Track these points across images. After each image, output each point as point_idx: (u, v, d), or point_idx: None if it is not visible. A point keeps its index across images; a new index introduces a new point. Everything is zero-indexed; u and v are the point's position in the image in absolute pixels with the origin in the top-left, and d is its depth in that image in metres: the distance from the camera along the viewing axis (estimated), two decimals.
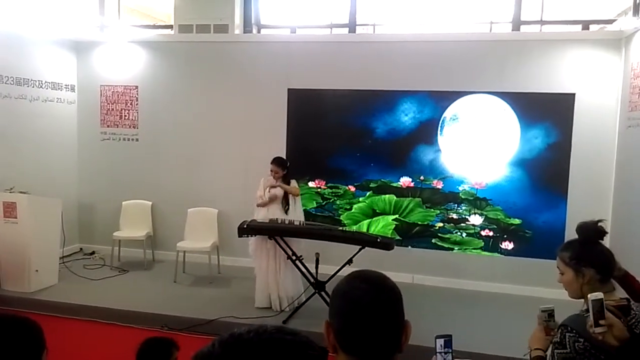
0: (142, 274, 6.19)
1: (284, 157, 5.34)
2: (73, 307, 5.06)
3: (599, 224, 1.90)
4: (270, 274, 5.06)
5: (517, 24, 6.15)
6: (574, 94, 5.62)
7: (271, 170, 5.13)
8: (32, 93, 6.27)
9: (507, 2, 6.20)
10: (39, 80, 6.37)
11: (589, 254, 1.89)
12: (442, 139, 5.98)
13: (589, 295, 1.69)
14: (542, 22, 6.17)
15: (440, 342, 1.86)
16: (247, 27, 6.82)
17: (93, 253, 6.84)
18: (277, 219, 5.06)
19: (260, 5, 6.93)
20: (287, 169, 5.17)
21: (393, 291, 1.17)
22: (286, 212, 5.13)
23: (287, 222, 5.03)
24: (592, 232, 1.91)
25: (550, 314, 1.88)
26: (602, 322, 1.64)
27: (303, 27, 6.89)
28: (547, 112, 5.70)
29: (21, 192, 5.46)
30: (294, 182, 5.27)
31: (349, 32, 6.58)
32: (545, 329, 1.87)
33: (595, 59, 5.59)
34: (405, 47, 6.06)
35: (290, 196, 5.17)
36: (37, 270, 5.39)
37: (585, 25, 6.05)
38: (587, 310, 1.69)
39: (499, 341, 4.46)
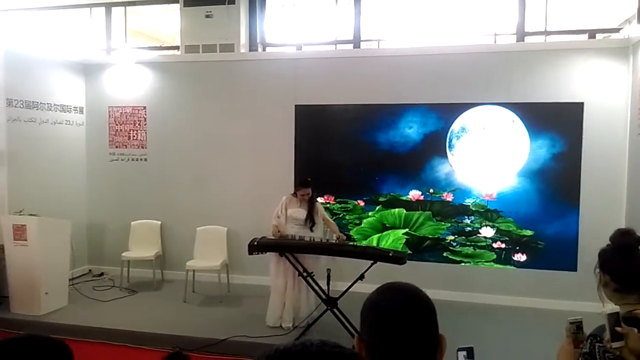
0: (152, 295, 6.15)
1: (305, 176, 5.29)
2: (83, 329, 5.02)
3: (628, 233, 1.85)
4: (288, 292, 5.01)
5: (521, 35, 6.16)
6: (582, 103, 5.59)
7: (302, 195, 5.05)
8: (41, 116, 6.32)
9: (510, 13, 6.22)
10: (47, 103, 6.42)
11: (608, 260, 1.87)
12: (451, 152, 5.95)
13: (603, 309, 1.66)
14: (546, 33, 6.18)
15: (463, 353, 1.81)
16: (252, 46, 6.88)
17: (102, 274, 6.82)
18: (287, 234, 5.03)
19: (265, 24, 7.00)
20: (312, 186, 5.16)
21: (427, 303, 1.14)
22: (311, 229, 5.09)
23: (297, 237, 5.00)
24: (614, 240, 1.87)
25: (578, 325, 1.83)
26: (618, 329, 1.60)
27: (308, 44, 6.94)
28: (556, 122, 5.67)
29: (31, 215, 5.47)
30: (320, 206, 5.27)
31: (354, 47, 6.62)
32: (574, 341, 1.82)
33: (603, 68, 5.57)
34: (411, 61, 6.07)
35: (315, 214, 5.13)
36: (46, 293, 5.36)
37: (591, 34, 6.05)
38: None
39: (515, 355, 4.38)
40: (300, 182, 5.13)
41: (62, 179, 6.59)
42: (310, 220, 5.08)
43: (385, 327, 1.10)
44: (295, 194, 5.14)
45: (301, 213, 5.09)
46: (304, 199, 5.08)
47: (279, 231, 5.04)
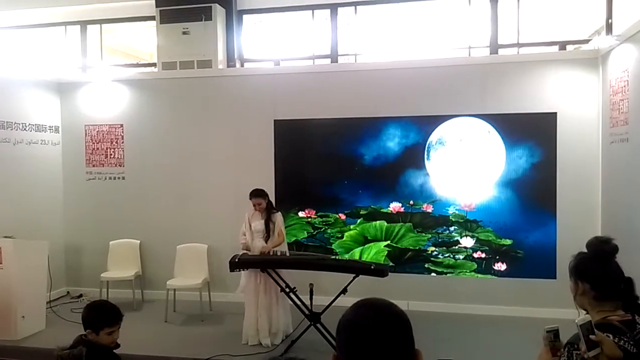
0: (132, 315, 6.00)
1: (262, 188, 5.24)
2: None
3: (608, 242, 1.88)
4: (262, 309, 4.96)
5: (494, 48, 6.30)
6: (555, 113, 5.71)
7: (254, 205, 5.10)
8: (15, 136, 6.21)
9: (484, 27, 6.36)
10: (22, 123, 6.32)
11: (586, 268, 1.89)
12: (429, 163, 6.02)
13: (576, 320, 1.67)
14: (519, 45, 6.32)
15: None
16: (230, 62, 6.89)
17: (81, 296, 6.67)
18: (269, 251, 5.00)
19: (242, 40, 7.03)
20: (267, 197, 5.15)
21: (401, 318, 1.13)
22: (266, 241, 5.07)
23: (279, 253, 4.97)
24: (593, 248, 1.89)
25: (555, 334, 1.85)
26: (592, 337, 1.63)
27: (286, 59, 6.98)
28: (531, 132, 5.78)
29: (6, 237, 5.34)
30: (279, 217, 5.20)
31: (331, 62, 6.68)
32: (552, 349, 1.84)
33: (574, 78, 5.71)
34: (387, 75, 6.13)
35: (272, 226, 5.11)
36: (23, 317, 5.22)
37: (562, 46, 6.22)
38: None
39: None
40: (251, 192, 5.12)
41: (38, 199, 6.46)
42: (267, 231, 5.07)
43: (359, 345, 1.09)
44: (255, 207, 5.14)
45: (262, 224, 5.10)
46: (261, 210, 5.09)
47: (247, 247, 5.08)
